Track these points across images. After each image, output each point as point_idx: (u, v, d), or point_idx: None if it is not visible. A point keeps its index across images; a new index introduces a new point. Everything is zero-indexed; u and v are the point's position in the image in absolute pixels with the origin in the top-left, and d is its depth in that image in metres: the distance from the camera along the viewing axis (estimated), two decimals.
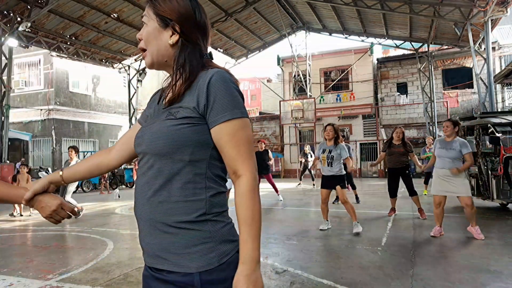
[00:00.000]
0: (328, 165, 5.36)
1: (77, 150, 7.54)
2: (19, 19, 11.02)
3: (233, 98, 0.98)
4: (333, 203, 8.33)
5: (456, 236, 4.89)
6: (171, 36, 1.03)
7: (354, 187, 8.70)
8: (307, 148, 12.74)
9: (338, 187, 5.35)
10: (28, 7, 10.86)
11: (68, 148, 7.58)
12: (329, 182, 5.44)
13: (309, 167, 12.65)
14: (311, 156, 12.47)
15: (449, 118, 5.11)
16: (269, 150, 9.71)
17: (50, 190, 1.21)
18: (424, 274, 3.35)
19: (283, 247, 4.54)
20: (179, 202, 0.97)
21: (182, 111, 0.99)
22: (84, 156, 16.94)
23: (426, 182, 9.87)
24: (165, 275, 0.98)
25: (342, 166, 5.46)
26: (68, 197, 7.42)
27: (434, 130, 16.81)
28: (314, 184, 13.02)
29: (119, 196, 11.47)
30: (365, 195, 10.28)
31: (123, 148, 1.22)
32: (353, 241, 4.73)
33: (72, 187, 7.53)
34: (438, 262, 3.72)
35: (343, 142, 9.13)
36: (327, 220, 5.59)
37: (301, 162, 13.25)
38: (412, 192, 6.36)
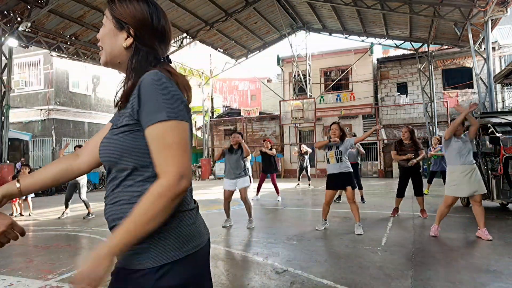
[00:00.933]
0: (337, 161, 5.25)
1: None
2: (19, 19, 11.02)
3: (161, 100, 0.94)
4: (334, 201, 8.30)
5: (456, 236, 4.89)
6: (125, 39, 1.05)
7: (360, 187, 8.66)
8: (304, 148, 12.75)
9: (349, 188, 5.21)
10: (28, 7, 10.86)
11: (74, 148, 7.60)
12: (337, 182, 5.28)
13: (304, 167, 12.67)
14: (307, 154, 12.47)
15: (449, 119, 5.06)
16: (273, 149, 9.72)
17: (2, 204, 1.11)
18: (424, 274, 3.35)
19: (283, 247, 4.54)
20: (125, 205, 0.99)
21: (122, 118, 1.01)
22: None
23: (429, 182, 9.83)
24: (119, 271, 1.02)
25: (349, 163, 5.40)
26: (84, 197, 7.44)
27: (434, 130, 16.81)
28: (309, 184, 13.03)
29: None
30: (365, 195, 10.25)
31: (94, 151, 1.15)
32: (353, 241, 4.72)
33: (84, 188, 7.54)
34: (438, 262, 3.72)
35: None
36: (325, 220, 5.57)
37: (298, 157, 13.16)
38: (419, 193, 6.35)
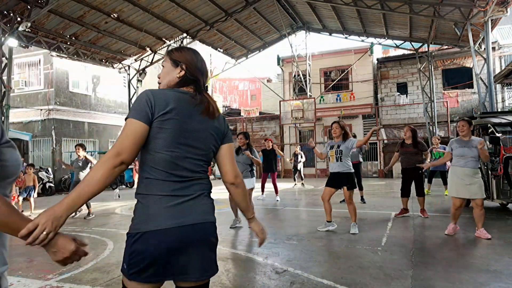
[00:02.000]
0: (337, 160, 5.22)
1: (84, 148, 7.58)
2: (19, 19, 11.01)
3: (132, 106, 1.39)
4: (340, 202, 8.22)
5: (456, 236, 4.89)
6: (179, 72, 1.50)
7: (361, 188, 8.68)
8: (298, 149, 12.79)
9: (344, 188, 5.21)
10: (28, 7, 10.86)
11: (75, 146, 7.60)
12: (336, 181, 5.27)
13: (298, 168, 12.73)
14: (301, 156, 12.52)
15: (463, 118, 4.97)
16: (276, 148, 9.76)
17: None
18: (424, 274, 3.35)
19: (283, 247, 4.54)
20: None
21: None
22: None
23: (430, 181, 9.85)
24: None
25: (351, 163, 5.35)
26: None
27: (434, 130, 16.81)
28: (303, 184, 13.08)
29: (119, 196, 11.47)
30: (365, 195, 10.26)
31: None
32: (353, 241, 4.72)
33: None
34: (438, 262, 3.72)
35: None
36: (329, 221, 5.45)
37: (292, 163, 13.31)
38: (420, 193, 6.35)
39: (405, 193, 6.47)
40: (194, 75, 1.52)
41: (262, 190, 9.65)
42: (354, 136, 9.07)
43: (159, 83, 1.54)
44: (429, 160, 6.89)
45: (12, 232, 1.08)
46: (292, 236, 5.13)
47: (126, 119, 1.36)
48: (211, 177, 20.61)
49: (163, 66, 1.56)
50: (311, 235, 5.20)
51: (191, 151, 1.41)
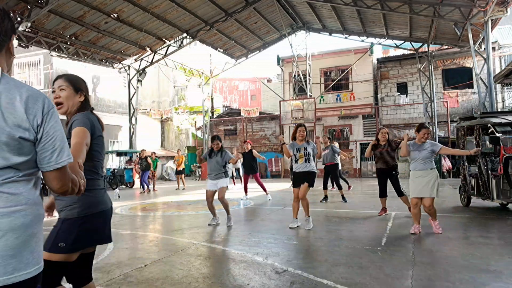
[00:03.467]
0: (306, 161, 5.58)
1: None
2: (19, 19, 11.01)
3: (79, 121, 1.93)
4: (321, 201, 8.64)
5: (456, 236, 4.89)
6: (79, 97, 2.01)
7: (340, 188, 8.84)
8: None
9: (305, 185, 5.50)
10: (28, 7, 10.86)
11: None
12: (301, 179, 5.58)
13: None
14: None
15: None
16: (253, 150, 9.85)
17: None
18: (424, 274, 3.35)
19: (283, 247, 4.53)
20: None
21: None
22: None
23: None
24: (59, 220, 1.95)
25: (313, 164, 5.70)
26: None
27: (434, 130, 16.80)
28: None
29: (119, 196, 11.47)
30: (365, 195, 10.29)
31: None
32: (353, 241, 4.72)
33: None
34: (438, 262, 3.72)
35: (329, 143, 9.42)
36: (297, 218, 5.71)
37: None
38: (399, 193, 6.37)
39: (382, 193, 6.57)
40: (88, 99, 2.07)
41: (245, 191, 9.74)
42: (330, 139, 9.72)
43: (58, 104, 1.94)
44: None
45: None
46: (292, 236, 5.13)
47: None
48: None
49: (63, 89, 1.97)
50: (311, 235, 5.20)
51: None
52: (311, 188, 5.60)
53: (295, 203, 5.67)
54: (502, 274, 3.29)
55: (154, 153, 13.81)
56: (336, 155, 9.25)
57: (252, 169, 9.79)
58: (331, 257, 4.03)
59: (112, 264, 3.94)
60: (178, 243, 4.88)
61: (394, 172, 6.40)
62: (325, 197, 8.86)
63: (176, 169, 13.81)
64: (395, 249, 4.26)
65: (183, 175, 13.80)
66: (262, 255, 4.15)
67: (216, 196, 6.02)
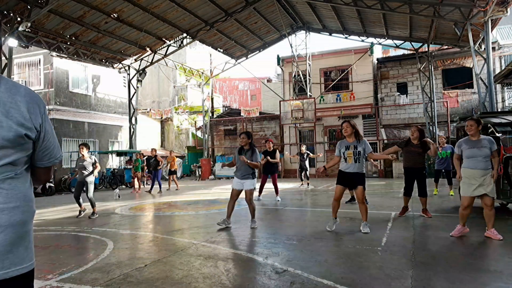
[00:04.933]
0: (356, 162, 5.18)
1: (88, 147, 7.60)
2: (19, 19, 11.01)
3: None
4: (346, 203, 8.13)
5: (456, 236, 4.88)
6: None
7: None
8: (304, 148, 12.75)
9: (360, 187, 5.18)
10: (28, 7, 10.86)
11: (79, 145, 7.61)
12: (349, 180, 5.25)
13: (305, 167, 12.67)
14: (307, 155, 12.47)
15: (471, 117, 4.91)
16: (277, 150, 9.70)
17: None
18: (424, 274, 3.35)
19: (283, 247, 4.53)
20: None
21: None
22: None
23: (436, 181, 9.74)
24: None
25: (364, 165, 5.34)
26: (91, 195, 7.46)
27: (434, 130, 16.80)
28: (308, 184, 13.02)
29: (119, 196, 11.47)
30: (365, 195, 10.25)
31: None
32: (353, 241, 4.72)
33: (92, 186, 7.54)
34: (438, 262, 3.72)
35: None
36: (336, 218, 5.44)
37: (299, 157, 13.20)
38: (423, 193, 6.31)
39: (408, 192, 6.44)
40: None
41: (260, 192, 9.59)
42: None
43: None
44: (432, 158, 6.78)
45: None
46: (292, 236, 5.13)
47: None
48: (211, 177, 20.60)
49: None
50: (311, 235, 5.19)
51: None
52: (310, 187, 5.49)
53: (336, 202, 5.35)
54: (502, 274, 3.29)
55: (155, 149, 13.82)
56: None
57: (271, 169, 9.46)
58: (331, 257, 4.03)
59: (112, 264, 3.94)
60: (178, 243, 4.88)
61: (424, 172, 6.34)
62: (353, 198, 8.31)
63: (169, 169, 13.85)
64: (395, 249, 4.26)
65: (175, 176, 13.82)
66: (262, 255, 4.15)
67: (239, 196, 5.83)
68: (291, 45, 20.05)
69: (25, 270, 1.19)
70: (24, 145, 1.20)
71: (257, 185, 10.00)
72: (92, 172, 7.47)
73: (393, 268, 3.54)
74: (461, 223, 4.85)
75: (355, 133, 5.26)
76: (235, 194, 5.80)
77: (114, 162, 19.33)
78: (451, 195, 9.27)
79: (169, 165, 13.84)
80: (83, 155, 7.43)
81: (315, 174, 7.40)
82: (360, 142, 5.23)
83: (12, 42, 11.73)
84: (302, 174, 13.48)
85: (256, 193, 9.48)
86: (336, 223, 5.46)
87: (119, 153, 17.90)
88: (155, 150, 13.58)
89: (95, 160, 7.57)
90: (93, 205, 7.43)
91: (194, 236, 5.29)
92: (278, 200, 9.16)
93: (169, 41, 16.92)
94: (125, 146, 20.10)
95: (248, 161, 5.60)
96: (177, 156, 15.50)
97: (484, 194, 4.59)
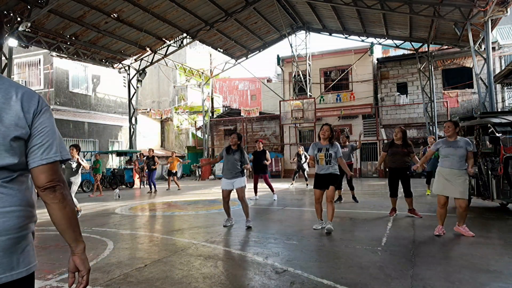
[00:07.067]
0: (327, 163, 5.37)
1: (78, 149, 7.55)
2: (19, 19, 11.01)
3: None
4: (335, 201, 8.26)
5: (456, 236, 4.89)
6: None
7: (352, 188, 8.73)
8: (301, 149, 12.79)
9: (332, 187, 5.35)
10: (28, 7, 10.86)
11: (70, 147, 7.57)
12: (324, 182, 5.41)
13: (302, 168, 12.72)
14: (305, 157, 12.51)
15: (449, 118, 5.14)
16: (266, 151, 9.76)
17: None
18: (424, 274, 3.35)
19: (283, 247, 4.53)
20: None
21: None
22: (84, 156, 16.93)
23: (428, 182, 9.79)
24: None
25: (337, 166, 5.47)
26: (73, 196, 7.42)
27: (434, 130, 16.80)
28: (307, 184, 13.04)
29: (119, 196, 11.47)
30: (365, 195, 10.28)
31: None
32: (353, 241, 4.72)
33: (75, 187, 7.52)
34: (438, 262, 3.72)
35: (348, 142, 9.22)
36: (321, 220, 5.59)
37: (295, 163, 13.30)
38: (408, 193, 6.37)
39: (393, 193, 6.53)
40: None
41: (255, 192, 9.67)
42: (347, 137, 9.35)
43: None
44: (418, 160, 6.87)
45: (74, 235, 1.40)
46: (292, 236, 5.13)
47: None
48: (211, 177, 20.61)
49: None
50: (311, 235, 5.19)
51: None
52: (338, 189, 5.51)
53: (317, 204, 5.52)
54: (502, 274, 3.29)
55: (152, 150, 13.86)
56: (353, 155, 9.09)
57: (262, 169, 9.61)
58: (331, 257, 4.04)
59: (112, 264, 3.94)
60: (178, 243, 4.88)
61: (408, 172, 6.39)
62: (339, 198, 8.62)
63: (169, 170, 13.89)
64: (395, 249, 4.26)
65: (175, 177, 13.88)
66: (262, 255, 4.15)
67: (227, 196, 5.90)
68: (291, 45, 20.05)
69: (20, 276, 1.15)
70: (16, 149, 1.14)
71: (250, 185, 10.10)
72: (76, 172, 7.46)
73: (393, 268, 3.54)
74: (440, 223, 4.96)
75: (330, 138, 5.43)
76: (226, 195, 5.92)
77: (114, 162, 19.33)
78: (428, 194, 9.45)
79: (169, 165, 13.87)
80: (73, 156, 7.41)
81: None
82: (333, 146, 5.41)
83: (12, 42, 11.73)
84: (296, 175, 13.56)
85: (252, 194, 9.58)
86: (322, 223, 5.55)
87: (119, 153, 17.91)
88: (152, 151, 13.66)
89: (80, 164, 7.53)
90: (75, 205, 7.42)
91: (194, 236, 5.29)
92: (275, 199, 9.22)
93: (169, 41, 16.92)
94: (125, 146, 20.10)
95: (248, 166, 5.98)
96: (178, 157, 15.49)
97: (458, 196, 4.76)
